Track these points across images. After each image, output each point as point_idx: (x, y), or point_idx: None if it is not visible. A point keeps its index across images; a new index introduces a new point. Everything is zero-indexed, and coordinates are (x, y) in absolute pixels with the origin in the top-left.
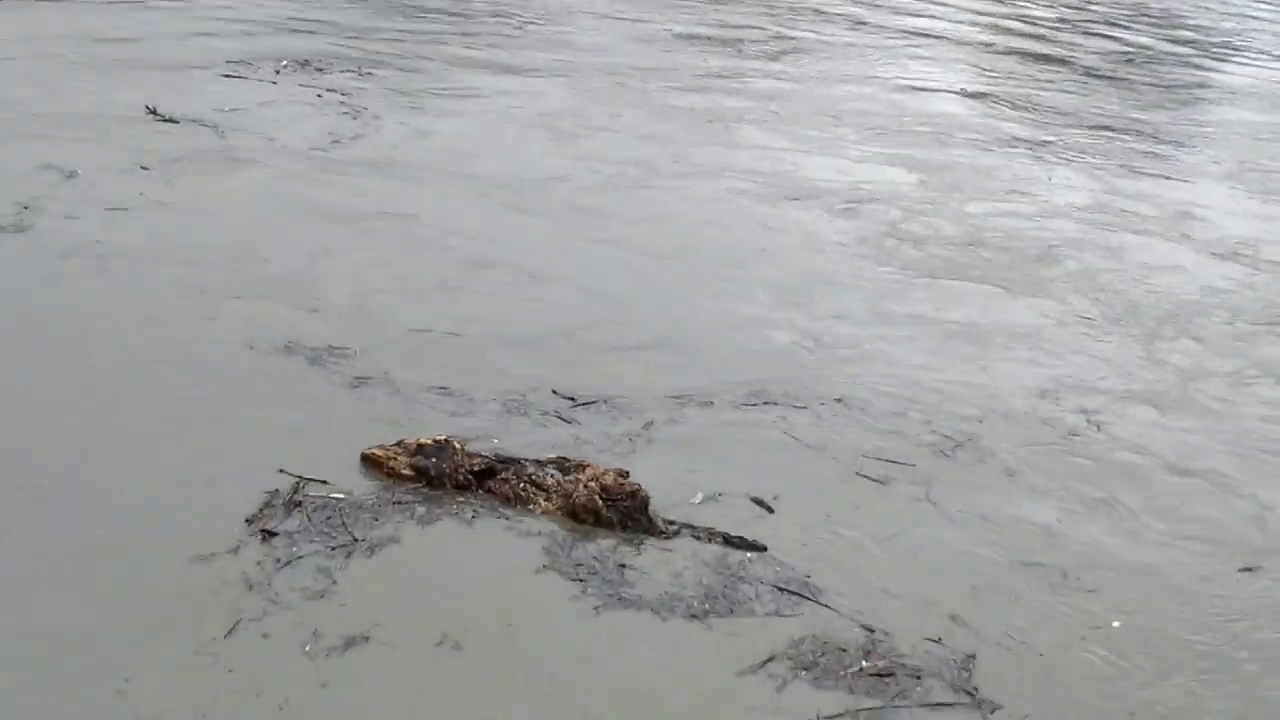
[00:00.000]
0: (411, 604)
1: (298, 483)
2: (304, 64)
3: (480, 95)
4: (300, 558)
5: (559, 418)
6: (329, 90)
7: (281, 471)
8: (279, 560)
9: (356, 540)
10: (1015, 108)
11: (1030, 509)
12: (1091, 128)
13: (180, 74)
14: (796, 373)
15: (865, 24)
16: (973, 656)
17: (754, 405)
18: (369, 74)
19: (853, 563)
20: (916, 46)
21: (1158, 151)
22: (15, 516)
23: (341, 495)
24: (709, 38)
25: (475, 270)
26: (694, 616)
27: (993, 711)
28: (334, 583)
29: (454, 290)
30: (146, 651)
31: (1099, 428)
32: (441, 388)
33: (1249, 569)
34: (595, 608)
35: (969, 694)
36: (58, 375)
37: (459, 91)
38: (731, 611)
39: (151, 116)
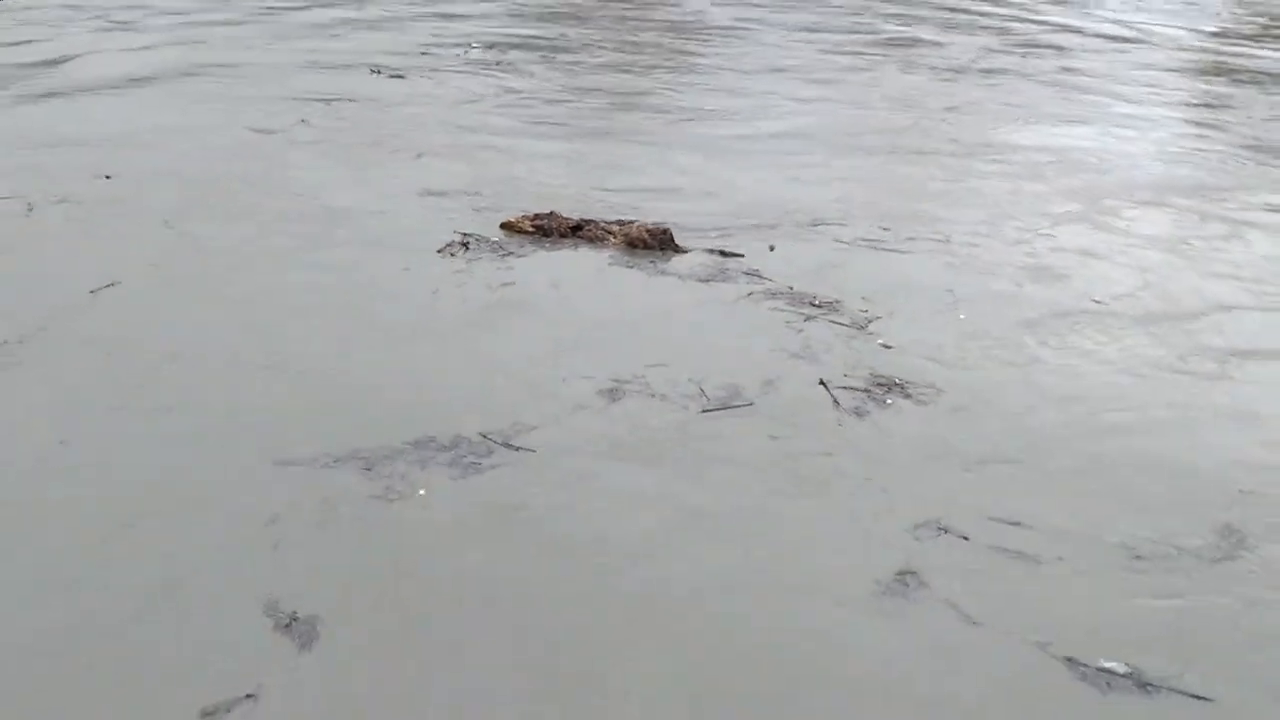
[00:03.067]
0: (545, 274)
1: (465, 236)
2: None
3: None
4: (480, 258)
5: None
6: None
7: (455, 231)
8: (470, 258)
9: (509, 254)
10: None
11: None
12: None
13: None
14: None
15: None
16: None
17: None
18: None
19: (788, 266)
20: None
21: None
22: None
23: (491, 241)
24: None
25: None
26: (701, 281)
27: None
28: (502, 267)
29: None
30: (420, 258)
31: None
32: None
33: None
34: (645, 277)
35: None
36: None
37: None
38: (723, 280)
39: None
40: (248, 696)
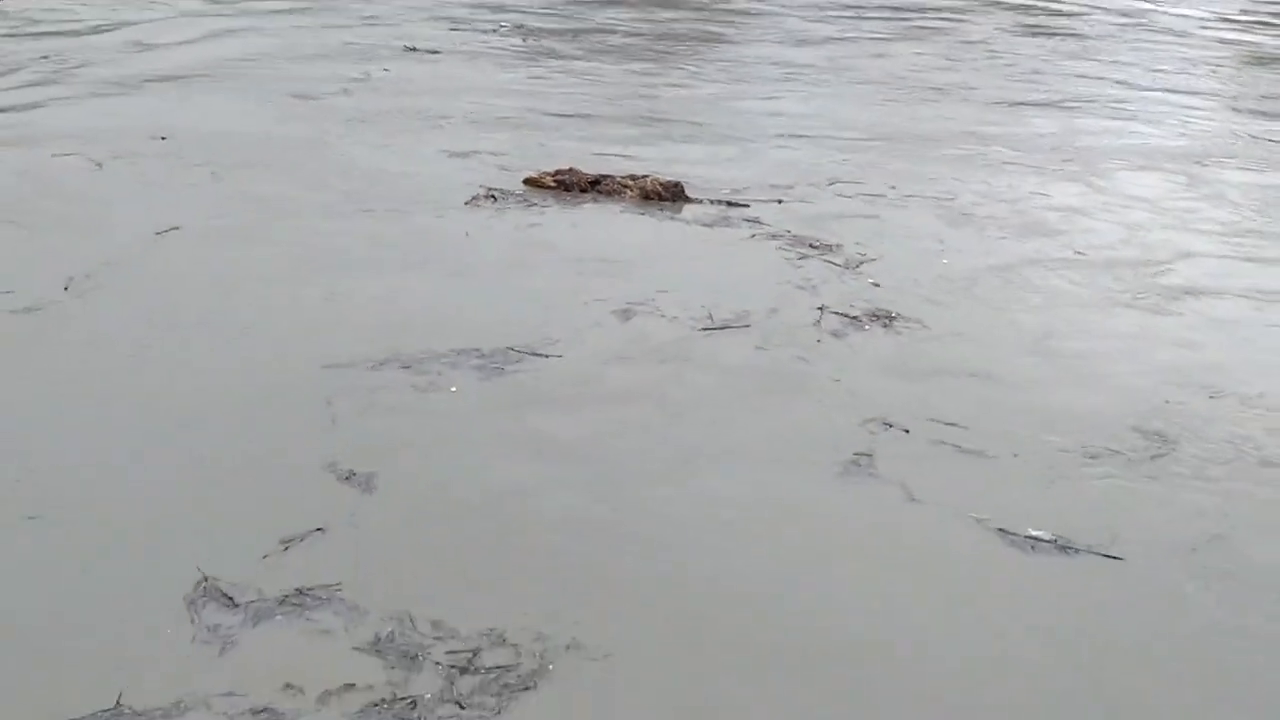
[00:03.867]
0: (566, 220)
1: (491, 190)
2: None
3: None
4: (507, 209)
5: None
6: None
7: (481, 186)
8: (498, 208)
9: (533, 205)
10: None
11: None
12: None
13: None
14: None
15: None
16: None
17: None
18: None
19: (792, 216)
20: None
21: None
22: None
23: (515, 194)
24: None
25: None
26: (706, 226)
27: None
28: (527, 214)
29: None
30: (451, 209)
31: None
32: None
33: None
34: (657, 222)
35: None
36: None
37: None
38: (728, 226)
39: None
40: (317, 530)
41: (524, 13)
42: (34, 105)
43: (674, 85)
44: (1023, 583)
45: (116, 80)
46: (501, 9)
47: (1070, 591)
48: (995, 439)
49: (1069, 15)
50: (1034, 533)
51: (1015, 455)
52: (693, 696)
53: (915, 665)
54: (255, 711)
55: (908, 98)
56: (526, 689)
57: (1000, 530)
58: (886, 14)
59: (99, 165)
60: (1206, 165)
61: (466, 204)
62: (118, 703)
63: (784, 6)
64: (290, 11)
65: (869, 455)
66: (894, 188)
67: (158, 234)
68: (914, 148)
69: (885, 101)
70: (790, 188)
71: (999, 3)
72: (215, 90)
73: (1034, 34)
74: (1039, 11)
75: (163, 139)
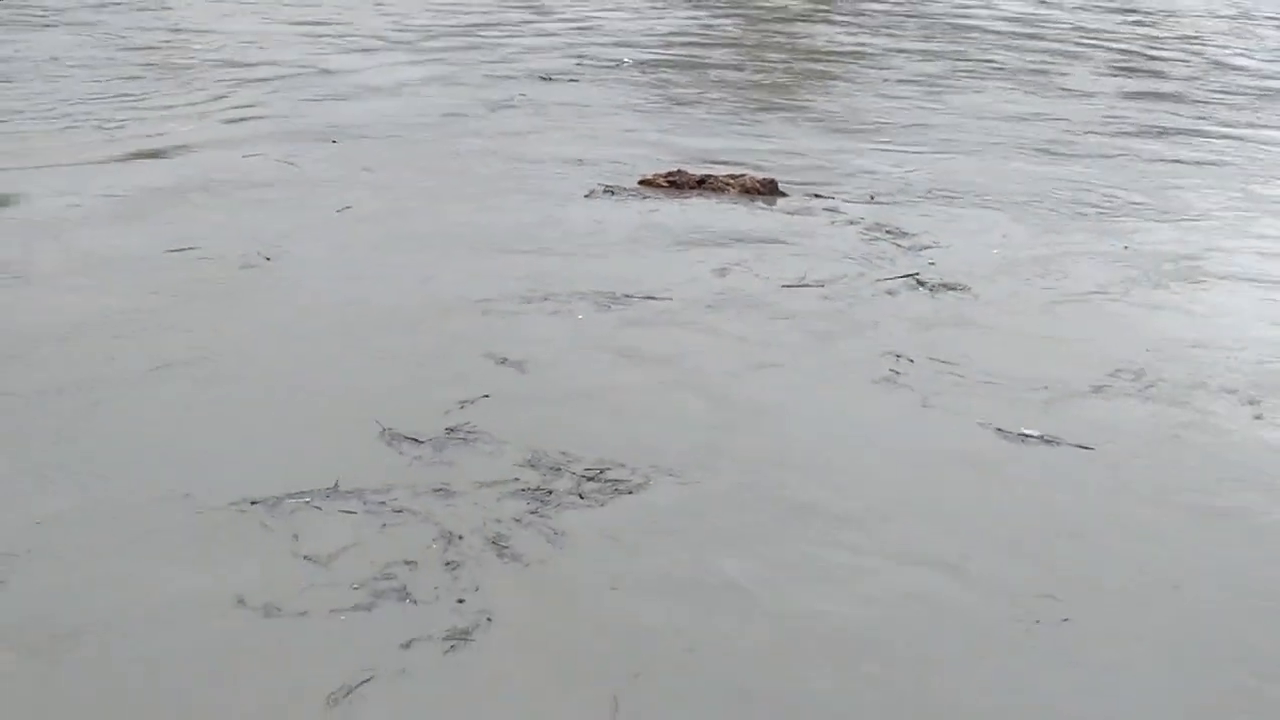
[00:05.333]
0: (677, 209)
1: (609, 187)
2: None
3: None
4: (625, 202)
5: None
6: None
7: (600, 184)
8: (616, 200)
9: (647, 198)
10: None
11: None
12: None
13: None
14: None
15: None
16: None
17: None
18: None
19: (875, 209)
20: None
21: None
22: None
23: (632, 190)
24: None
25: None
26: (796, 213)
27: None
28: (643, 205)
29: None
30: (574, 201)
31: None
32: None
33: None
34: (753, 209)
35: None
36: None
37: None
38: (812, 214)
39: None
40: (484, 396)
41: (644, 50)
42: (240, 120)
43: (784, 110)
44: (1009, 462)
45: (301, 98)
46: (625, 45)
47: (1045, 473)
48: (1003, 373)
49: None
50: (1026, 431)
51: (1020, 384)
52: (741, 517)
53: (923, 517)
54: (434, 490)
55: (1024, 131)
56: (629, 493)
57: (998, 430)
58: (1009, 50)
59: (287, 163)
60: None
61: (586, 197)
62: (336, 485)
63: (892, 50)
64: (442, 50)
65: (897, 374)
66: (988, 194)
67: (338, 211)
68: (1005, 163)
69: (993, 131)
70: (885, 194)
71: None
72: (377, 107)
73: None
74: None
75: (333, 142)
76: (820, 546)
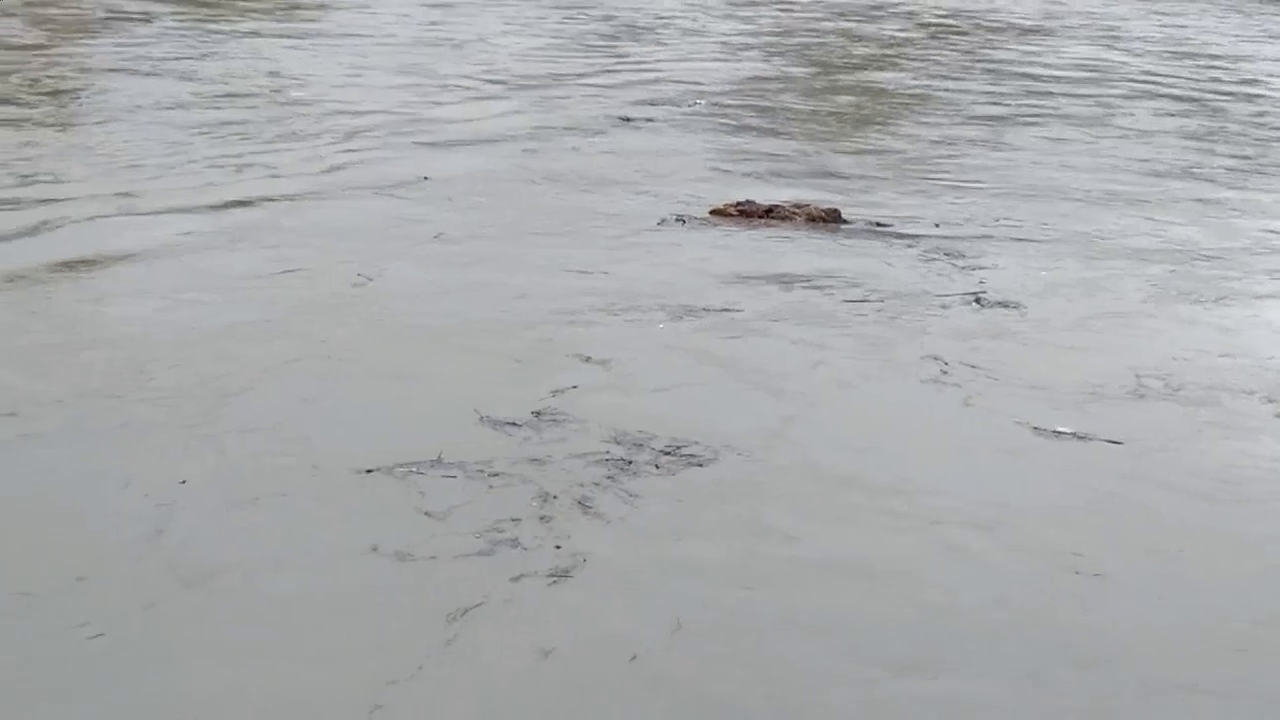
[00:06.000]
0: (746, 235)
1: (680, 216)
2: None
3: None
4: (697, 229)
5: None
6: None
7: (671, 214)
8: (688, 228)
9: (717, 225)
10: None
11: None
12: None
13: None
14: None
15: None
16: None
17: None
18: None
19: (936, 235)
20: None
21: None
22: None
23: (703, 219)
24: None
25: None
26: (858, 238)
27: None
28: (715, 231)
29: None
30: (647, 230)
31: None
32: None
33: None
34: (816, 235)
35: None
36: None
37: None
38: (874, 239)
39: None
40: (572, 388)
41: (717, 93)
42: (337, 159)
43: (849, 147)
44: (1043, 453)
45: (394, 138)
46: (699, 90)
47: (1075, 462)
48: (1042, 379)
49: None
50: (1060, 428)
51: (1056, 389)
52: (795, 485)
53: (960, 491)
54: (529, 460)
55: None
56: (700, 466)
57: (1034, 428)
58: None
59: (383, 197)
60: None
61: (659, 225)
62: (439, 457)
63: (958, 93)
64: (525, 94)
65: (943, 374)
66: (1046, 224)
67: (435, 237)
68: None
69: (1052, 169)
70: (944, 223)
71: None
72: (465, 145)
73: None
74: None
75: (425, 179)
76: (864, 509)
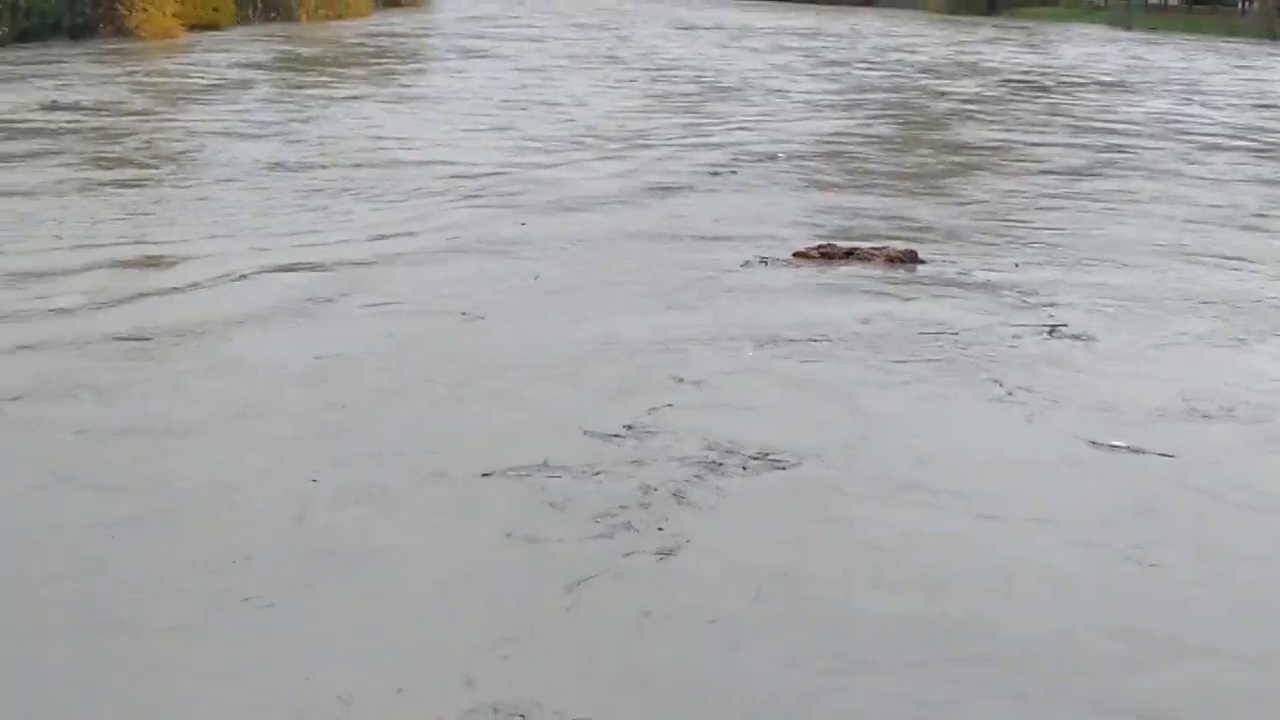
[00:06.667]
0: (829, 273)
1: (764, 258)
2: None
3: None
4: (781, 269)
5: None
6: None
7: (756, 256)
8: (771, 269)
9: (799, 267)
10: None
11: None
12: None
13: None
14: None
15: None
16: None
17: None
18: None
19: (1006, 276)
20: None
21: None
22: None
23: (787, 260)
24: None
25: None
26: (936, 280)
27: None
28: (797, 271)
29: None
30: (732, 269)
31: None
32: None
33: None
34: (895, 274)
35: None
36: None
37: None
38: (952, 279)
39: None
40: (667, 405)
41: (799, 147)
42: (441, 221)
43: (927, 195)
44: (1098, 463)
45: (490, 189)
46: (782, 144)
47: (1129, 471)
48: (1102, 401)
49: None
50: (1115, 442)
51: (1115, 409)
52: (865, 486)
53: (1019, 494)
54: (630, 462)
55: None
56: (782, 469)
57: (1092, 441)
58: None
59: (483, 242)
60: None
61: (743, 266)
62: (546, 461)
63: (1036, 144)
64: (615, 149)
65: (1008, 395)
66: (1117, 266)
67: (535, 278)
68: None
69: (1124, 211)
70: (1018, 262)
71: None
72: (558, 195)
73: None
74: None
75: (522, 224)
76: (925, 506)
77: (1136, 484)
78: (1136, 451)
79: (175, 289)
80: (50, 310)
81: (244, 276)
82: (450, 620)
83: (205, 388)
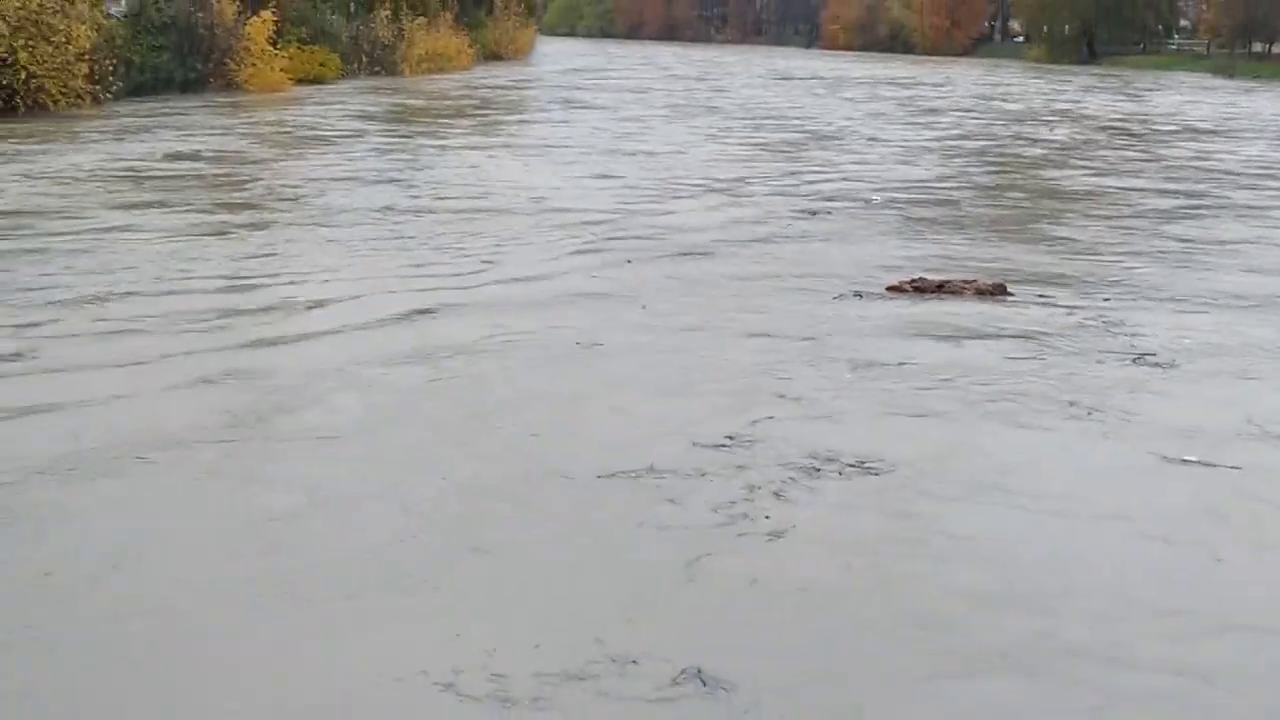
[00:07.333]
0: (922, 307)
1: (857, 291)
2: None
3: None
4: (875, 302)
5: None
6: None
7: (850, 290)
8: (864, 302)
9: (893, 300)
10: None
11: None
12: None
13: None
14: None
15: None
16: None
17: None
18: None
19: (1093, 307)
20: None
21: None
22: None
23: (880, 294)
24: None
25: None
26: (1024, 309)
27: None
28: (890, 305)
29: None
30: (826, 302)
31: None
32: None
33: None
34: (984, 305)
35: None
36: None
37: None
38: (1041, 308)
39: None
40: (769, 418)
41: (894, 191)
42: (551, 257)
43: (1017, 235)
44: (1170, 474)
45: (598, 230)
46: (878, 189)
47: (1197, 481)
48: (1176, 422)
49: None
50: (1187, 457)
51: (1189, 429)
52: (950, 488)
53: (1092, 498)
54: (736, 467)
55: None
56: (875, 475)
57: (1164, 457)
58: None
59: (591, 277)
60: None
61: (836, 299)
62: (659, 465)
63: (1128, 189)
64: (715, 194)
65: (1086, 414)
66: (1202, 300)
67: (643, 307)
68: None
69: (1211, 253)
70: (1110, 297)
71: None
72: (659, 237)
73: None
74: None
75: (628, 261)
76: (1004, 505)
77: (1204, 491)
78: (1206, 465)
79: (319, 320)
80: (224, 347)
81: (376, 308)
82: (581, 592)
83: (345, 404)
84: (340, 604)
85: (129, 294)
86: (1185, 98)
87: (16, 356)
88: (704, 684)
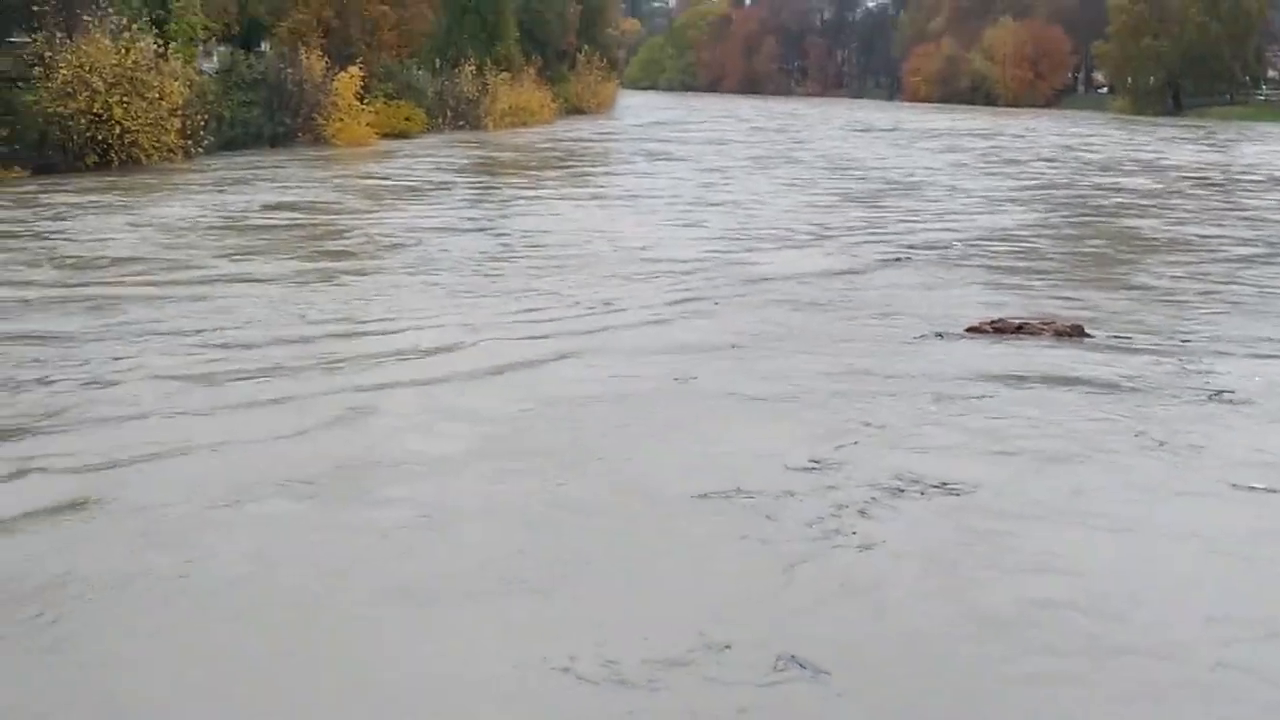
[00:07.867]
0: (998, 347)
1: (939, 332)
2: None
3: None
4: (955, 342)
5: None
6: None
7: (931, 330)
8: (945, 342)
9: (974, 340)
10: None
11: None
12: None
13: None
14: None
15: None
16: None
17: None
18: None
19: (1169, 352)
20: None
21: None
22: None
23: (960, 334)
24: None
25: None
26: (1103, 350)
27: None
28: (972, 343)
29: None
30: (907, 342)
31: None
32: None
33: None
34: (1062, 349)
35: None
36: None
37: None
38: (1119, 351)
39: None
40: (853, 443)
41: (977, 238)
42: (645, 302)
43: (1096, 280)
44: (1235, 498)
45: (682, 273)
46: (959, 237)
47: (1265, 505)
48: (1247, 454)
49: None
50: (1255, 484)
51: (1260, 461)
52: (1028, 507)
53: (1159, 515)
54: (825, 487)
55: None
56: (955, 495)
57: (1233, 484)
58: None
59: (681, 319)
60: None
61: (917, 338)
62: (750, 487)
63: (1208, 237)
64: (797, 242)
65: (1159, 444)
66: (1263, 343)
67: (731, 347)
68: None
69: None
70: (1187, 338)
71: None
72: (741, 278)
73: None
74: None
75: (715, 304)
76: (1075, 523)
77: (1267, 515)
78: (1272, 491)
79: (425, 361)
80: (340, 390)
81: (479, 349)
82: (687, 593)
83: (456, 432)
84: (463, 605)
85: (244, 341)
86: (1269, 148)
87: (155, 398)
88: (802, 667)
